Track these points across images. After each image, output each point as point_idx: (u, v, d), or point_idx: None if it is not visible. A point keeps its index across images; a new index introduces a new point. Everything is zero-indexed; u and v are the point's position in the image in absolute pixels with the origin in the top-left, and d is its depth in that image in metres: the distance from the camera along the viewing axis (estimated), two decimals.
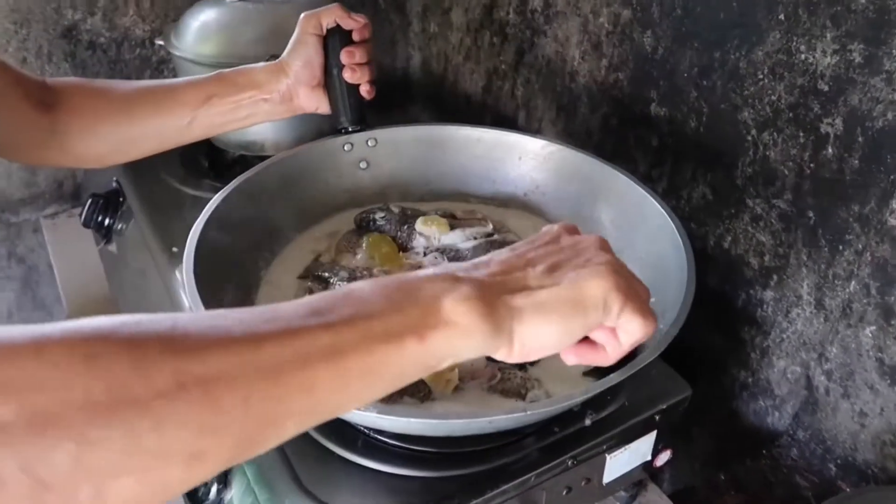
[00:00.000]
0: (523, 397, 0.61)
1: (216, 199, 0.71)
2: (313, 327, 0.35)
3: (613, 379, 0.52)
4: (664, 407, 0.66)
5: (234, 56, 0.92)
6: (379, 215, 0.80)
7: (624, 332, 0.44)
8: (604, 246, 0.45)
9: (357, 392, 0.36)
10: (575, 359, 0.46)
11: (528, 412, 0.50)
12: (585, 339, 0.45)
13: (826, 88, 0.66)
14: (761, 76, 0.71)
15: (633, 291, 0.43)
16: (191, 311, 0.34)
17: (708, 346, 0.85)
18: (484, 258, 0.44)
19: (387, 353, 0.36)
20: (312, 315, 0.35)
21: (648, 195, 0.71)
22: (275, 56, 0.81)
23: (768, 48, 0.70)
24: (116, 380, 0.29)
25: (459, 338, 0.38)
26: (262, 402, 0.32)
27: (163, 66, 1.26)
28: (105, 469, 0.28)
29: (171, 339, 0.31)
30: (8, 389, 0.27)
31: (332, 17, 0.77)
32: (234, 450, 0.32)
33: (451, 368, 0.61)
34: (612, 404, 0.65)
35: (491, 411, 0.54)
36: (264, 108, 0.77)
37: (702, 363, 0.86)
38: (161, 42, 1.01)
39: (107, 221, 1.02)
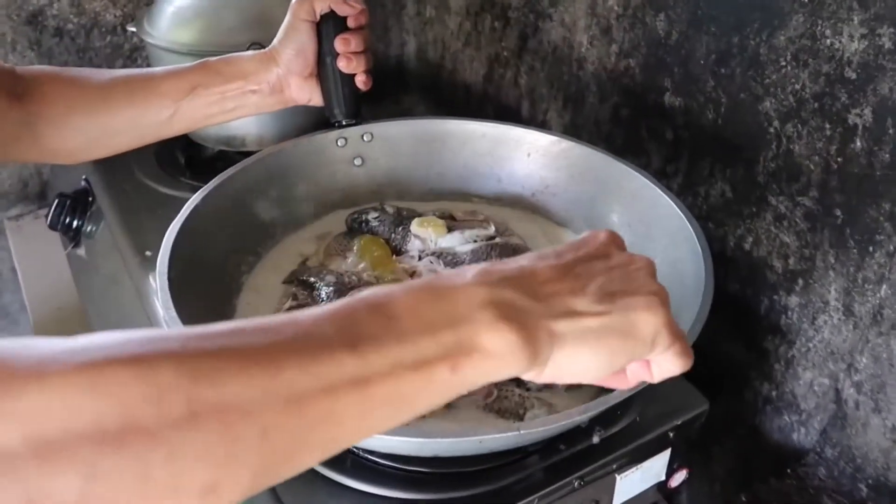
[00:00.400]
0: (521, 417, 0.61)
1: (195, 197, 0.72)
2: (338, 351, 0.34)
3: (621, 395, 0.52)
4: (679, 422, 0.66)
5: (213, 44, 0.92)
6: (372, 216, 0.81)
7: (659, 369, 0.44)
8: (653, 271, 0.46)
9: (380, 420, 0.36)
10: (594, 381, 0.46)
11: (522, 432, 0.50)
12: None
13: (854, 76, 0.66)
14: (784, 63, 0.72)
15: (680, 329, 0.44)
16: (202, 325, 0.34)
17: (727, 357, 0.85)
18: (528, 263, 0.42)
19: (416, 381, 0.36)
20: (337, 335, 0.35)
21: (664, 195, 0.72)
22: (257, 44, 0.81)
23: (791, 33, 0.70)
24: (126, 407, 0.29)
25: (494, 366, 0.38)
26: (281, 433, 0.32)
27: (136, 54, 1.26)
28: (114, 502, 0.29)
29: (184, 361, 0.31)
30: (12, 417, 0.27)
31: (326, 2, 0.77)
32: (251, 482, 0.32)
33: None
34: (623, 420, 0.65)
35: (481, 430, 0.54)
36: (252, 99, 0.77)
37: (721, 375, 0.86)
38: (133, 28, 1.01)
39: (75, 223, 1.03)
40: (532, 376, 0.41)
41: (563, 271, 0.43)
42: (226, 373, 0.31)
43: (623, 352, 0.42)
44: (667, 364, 0.44)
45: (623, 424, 0.65)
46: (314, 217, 0.85)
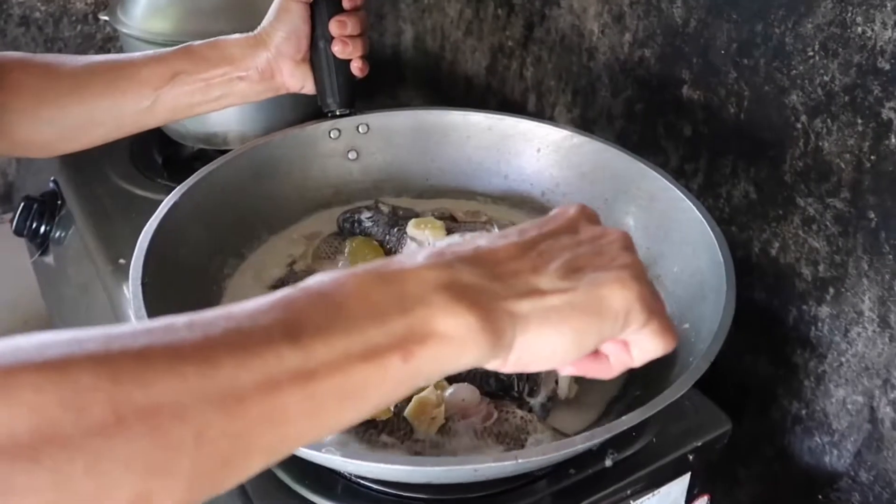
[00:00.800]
0: (522, 443, 0.61)
1: (174, 193, 0.72)
2: (279, 343, 0.34)
3: (630, 420, 0.51)
4: (700, 444, 0.66)
5: (191, 34, 0.92)
6: (365, 216, 0.81)
7: (639, 349, 0.44)
8: (628, 244, 0.45)
9: (331, 418, 0.36)
10: (573, 370, 0.46)
11: (520, 461, 0.50)
12: None
13: (887, 67, 0.66)
14: (811, 53, 0.72)
15: (658, 304, 0.43)
16: (129, 323, 0.33)
17: (752, 373, 0.85)
18: (486, 243, 0.42)
19: (366, 373, 0.36)
20: (277, 326, 0.34)
21: (685, 198, 0.71)
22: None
23: (819, 20, 0.70)
24: (41, 415, 0.28)
25: (451, 353, 0.38)
26: (218, 436, 0.32)
27: (108, 45, 1.27)
28: None
29: (106, 361, 0.30)
30: None
31: None
32: (188, 491, 0.32)
33: (437, 405, 0.61)
34: (638, 441, 0.65)
35: (476, 458, 0.54)
36: (240, 87, 0.77)
37: (745, 392, 0.86)
38: (106, 17, 1.01)
39: (42, 229, 1.03)
40: (497, 365, 0.41)
41: (524, 248, 0.42)
42: (153, 372, 0.31)
43: (591, 331, 0.41)
44: (645, 344, 0.43)
45: (638, 446, 0.65)
46: (303, 215, 0.84)
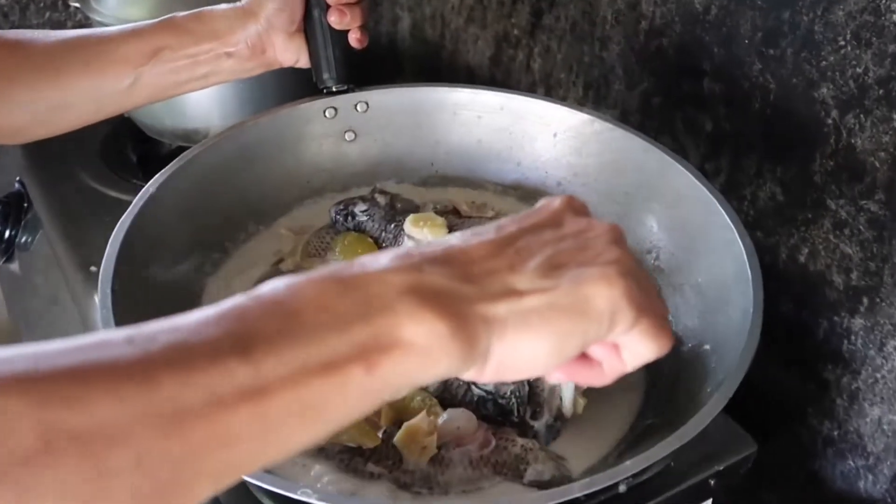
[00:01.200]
0: (521, 474, 0.60)
1: (151, 185, 0.71)
2: (227, 357, 0.33)
3: (645, 460, 0.51)
4: (722, 468, 0.66)
5: None
6: (360, 208, 0.80)
7: (630, 353, 0.44)
8: (617, 237, 0.44)
9: (287, 439, 0.35)
10: (563, 377, 0.45)
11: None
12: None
13: None
14: (843, 42, 0.72)
15: (648, 302, 0.43)
16: (61, 339, 0.33)
17: (779, 390, 0.85)
18: (458, 241, 0.42)
19: (324, 387, 0.35)
20: (227, 339, 0.34)
21: (715, 199, 0.71)
22: None
23: (851, 7, 0.70)
24: None
25: (419, 363, 0.37)
26: (160, 461, 0.31)
27: None
28: None
29: (34, 382, 0.30)
30: None
31: None
32: None
33: (429, 432, 0.61)
34: (655, 465, 0.65)
35: (458, 500, 0.53)
36: (228, 63, 0.77)
37: (771, 411, 0.86)
38: (77, 4, 1.02)
39: (7, 233, 1.03)
40: (472, 375, 0.40)
41: (501, 246, 0.42)
42: (86, 393, 0.30)
43: (575, 333, 0.40)
44: (635, 346, 0.43)
45: (655, 470, 0.64)
46: (294, 204, 0.84)
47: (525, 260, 0.41)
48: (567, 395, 0.65)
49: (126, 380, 0.31)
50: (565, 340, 0.41)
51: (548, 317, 0.40)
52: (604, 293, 0.41)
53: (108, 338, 0.33)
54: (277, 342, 0.35)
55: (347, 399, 0.36)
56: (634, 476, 0.63)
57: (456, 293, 0.39)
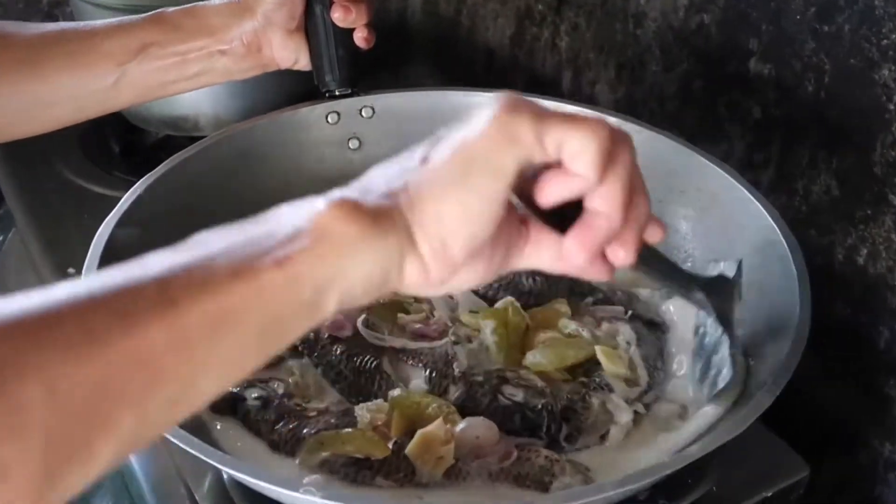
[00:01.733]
0: (546, 487, 0.61)
1: (136, 188, 0.72)
2: (135, 277, 0.36)
3: (673, 464, 0.52)
4: (770, 494, 0.66)
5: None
6: None
7: (575, 160, 0.44)
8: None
9: (208, 351, 0.37)
10: (579, 249, 0.46)
11: None
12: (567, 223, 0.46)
13: None
14: None
15: (544, 108, 0.44)
16: None
17: (834, 407, 0.85)
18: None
19: (238, 290, 0.37)
20: (136, 266, 0.37)
21: (754, 199, 0.71)
22: None
23: None
24: None
25: (337, 251, 0.40)
26: (73, 386, 0.33)
27: (56, 10, 1.28)
28: None
29: None
30: None
31: None
32: (49, 458, 0.33)
33: (445, 442, 0.61)
34: (696, 489, 0.65)
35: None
36: (221, 62, 0.78)
37: (825, 431, 0.85)
38: None
39: None
40: (417, 272, 0.43)
41: (392, 165, 0.47)
42: None
43: (478, 172, 0.43)
44: (571, 146, 0.44)
45: (696, 495, 0.65)
46: None
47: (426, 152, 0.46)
48: (619, 428, 0.65)
49: (29, 312, 0.33)
50: (475, 181, 0.43)
51: (442, 174, 0.43)
52: (480, 123, 0.44)
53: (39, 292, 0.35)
54: (187, 263, 0.38)
55: (264, 300, 0.39)
56: (673, 497, 0.63)
57: (366, 191, 0.44)
